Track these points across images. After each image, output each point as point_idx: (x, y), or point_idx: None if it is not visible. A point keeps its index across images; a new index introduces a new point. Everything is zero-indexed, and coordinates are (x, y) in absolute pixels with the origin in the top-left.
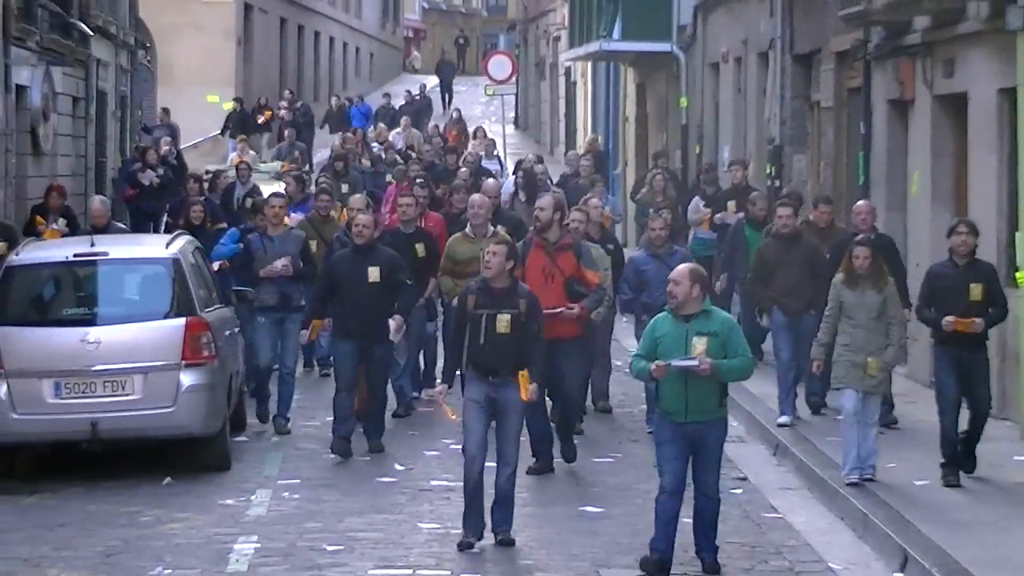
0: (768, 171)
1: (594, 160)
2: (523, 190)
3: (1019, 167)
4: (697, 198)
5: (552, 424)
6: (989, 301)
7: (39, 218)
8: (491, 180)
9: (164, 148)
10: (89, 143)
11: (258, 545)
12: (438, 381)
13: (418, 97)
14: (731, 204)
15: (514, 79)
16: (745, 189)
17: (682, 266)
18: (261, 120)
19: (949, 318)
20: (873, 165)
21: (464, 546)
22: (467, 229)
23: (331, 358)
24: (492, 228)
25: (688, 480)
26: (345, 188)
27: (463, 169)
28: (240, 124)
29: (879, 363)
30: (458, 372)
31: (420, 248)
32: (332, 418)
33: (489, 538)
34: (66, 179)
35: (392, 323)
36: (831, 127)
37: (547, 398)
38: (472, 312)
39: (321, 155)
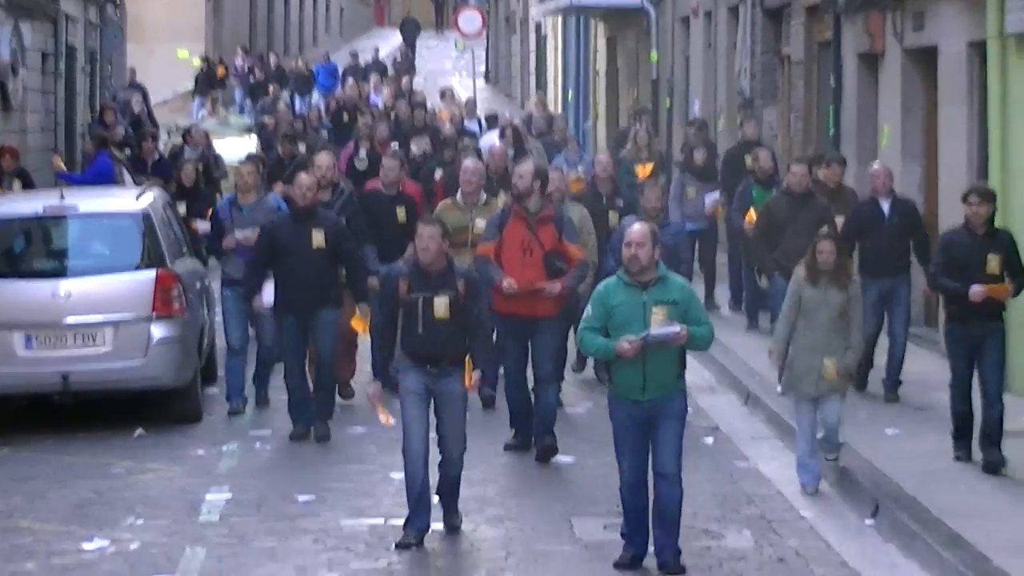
0: (738, 125)
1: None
2: (510, 148)
3: (989, 121)
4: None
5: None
6: (1007, 272)
7: None
8: (498, 145)
9: (136, 108)
10: (59, 98)
11: (230, 496)
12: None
13: (398, 59)
14: (748, 159)
15: (484, 33)
16: (757, 144)
17: (640, 226)
18: (216, 77)
19: (977, 287)
20: (843, 119)
21: (403, 547)
22: (457, 197)
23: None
24: (484, 196)
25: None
26: (302, 148)
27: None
28: (207, 82)
29: (837, 366)
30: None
31: (401, 212)
32: (287, 400)
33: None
34: (35, 135)
35: (358, 310)
36: (801, 81)
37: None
38: (405, 297)
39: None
